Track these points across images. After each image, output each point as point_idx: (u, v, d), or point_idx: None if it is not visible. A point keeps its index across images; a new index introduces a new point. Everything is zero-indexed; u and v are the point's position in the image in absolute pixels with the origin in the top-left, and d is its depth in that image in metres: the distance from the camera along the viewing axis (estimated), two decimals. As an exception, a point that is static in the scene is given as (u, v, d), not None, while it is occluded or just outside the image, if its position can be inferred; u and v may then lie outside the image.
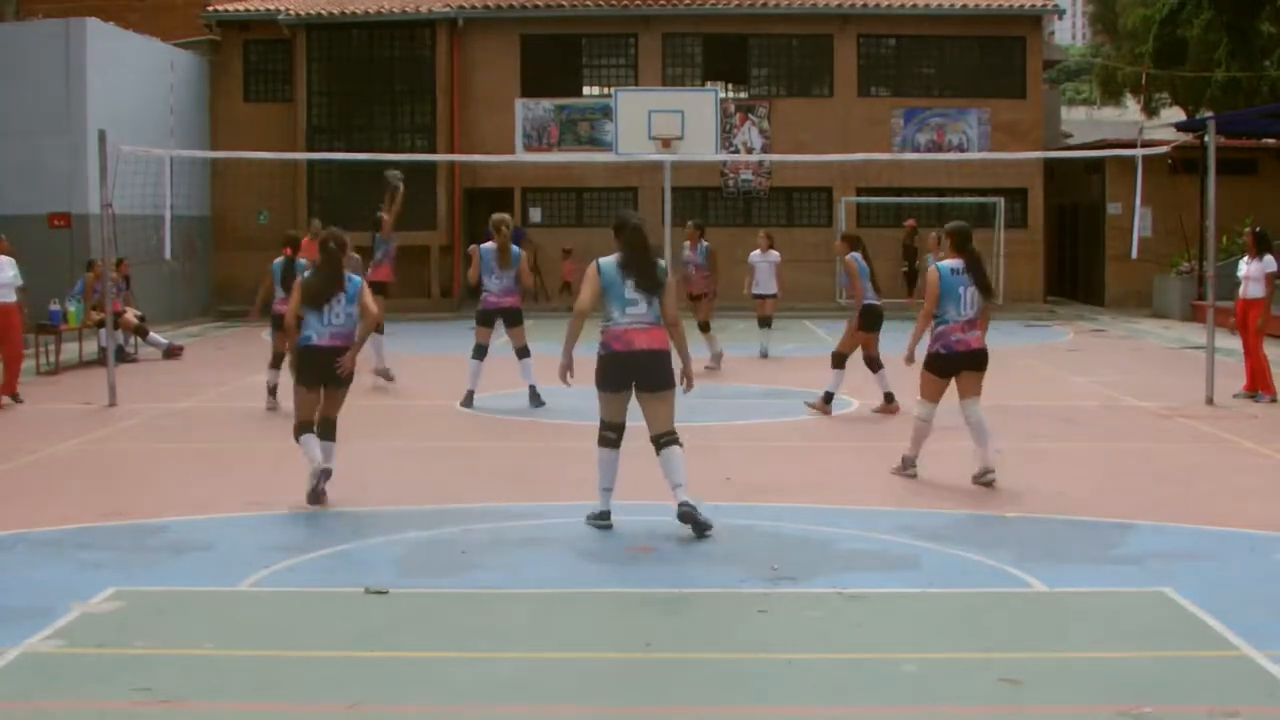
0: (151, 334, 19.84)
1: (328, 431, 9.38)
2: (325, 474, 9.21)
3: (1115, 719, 5.31)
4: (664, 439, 8.40)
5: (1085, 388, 15.93)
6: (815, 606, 6.88)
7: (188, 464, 11.05)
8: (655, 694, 5.69)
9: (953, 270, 9.96)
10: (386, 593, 7.06)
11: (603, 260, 8.46)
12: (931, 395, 10.14)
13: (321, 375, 9.31)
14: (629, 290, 8.31)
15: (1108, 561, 7.82)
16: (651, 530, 8.52)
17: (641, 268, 8.35)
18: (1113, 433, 12.64)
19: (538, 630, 6.54)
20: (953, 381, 10.09)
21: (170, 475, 10.52)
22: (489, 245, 13.98)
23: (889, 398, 13.34)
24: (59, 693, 5.66)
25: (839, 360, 13.42)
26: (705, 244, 18.09)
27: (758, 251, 18.96)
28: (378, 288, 13.99)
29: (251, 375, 17.13)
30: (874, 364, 13.59)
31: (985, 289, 10.12)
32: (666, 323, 8.48)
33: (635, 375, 8.36)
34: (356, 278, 9.51)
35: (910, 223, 28.80)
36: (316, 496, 9.14)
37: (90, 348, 18.88)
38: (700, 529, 8.23)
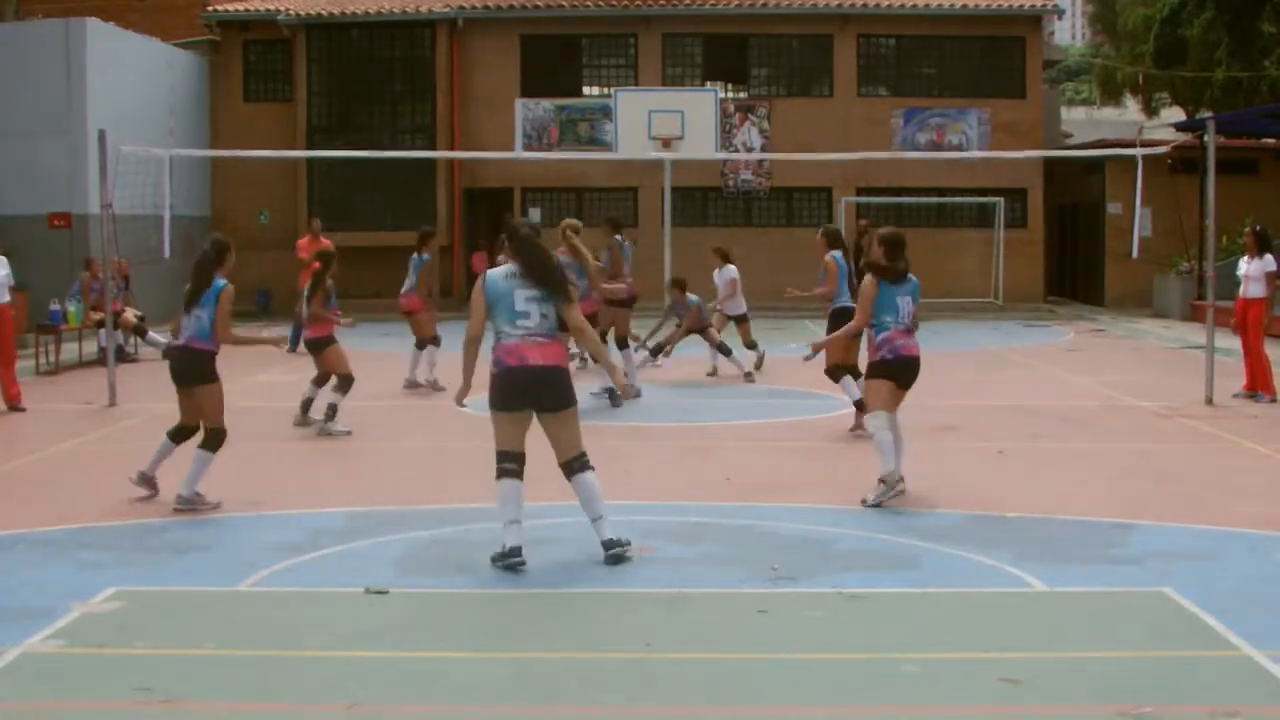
0: (150, 334, 19.84)
1: (208, 441, 9.41)
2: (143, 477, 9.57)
3: (1115, 719, 5.31)
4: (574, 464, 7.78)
5: (1085, 388, 15.93)
6: (815, 606, 6.88)
7: (187, 464, 11.02)
8: (655, 694, 5.69)
9: (890, 283, 9.58)
10: (386, 593, 7.07)
11: (490, 272, 7.82)
12: (885, 404, 9.48)
13: (175, 376, 9.53)
14: (520, 302, 7.58)
15: (1108, 561, 7.82)
16: (651, 530, 8.52)
17: (539, 274, 7.65)
18: (1113, 433, 12.64)
19: (538, 630, 6.54)
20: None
21: (170, 475, 10.50)
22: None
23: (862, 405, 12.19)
24: (59, 693, 5.66)
25: (839, 373, 12.37)
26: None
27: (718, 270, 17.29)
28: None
29: (251, 375, 17.12)
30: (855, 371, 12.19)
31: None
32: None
33: (533, 395, 7.63)
34: (221, 282, 9.45)
35: (863, 223, 28.84)
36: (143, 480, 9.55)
37: (90, 348, 18.88)
38: (621, 557, 7.73)
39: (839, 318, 12.25)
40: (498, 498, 7.67)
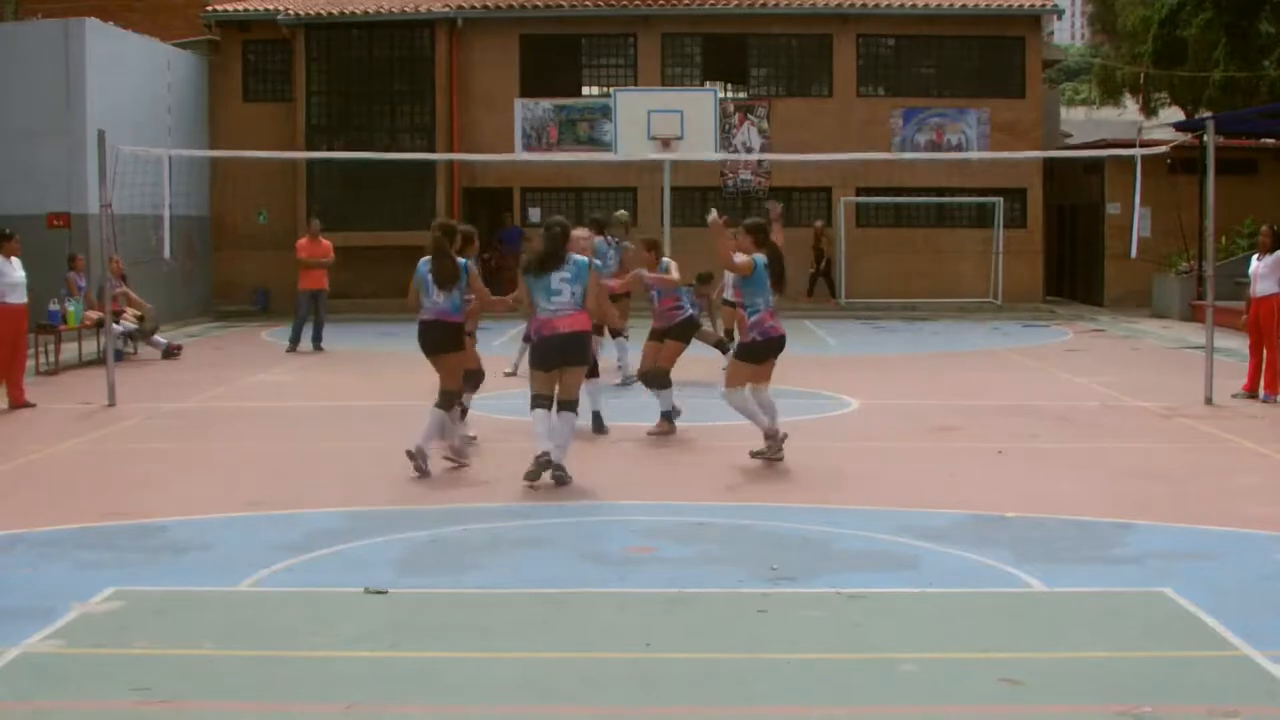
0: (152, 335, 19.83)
1: (442, 401, 10.36)
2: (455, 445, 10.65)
3: (1115, 719, 5.32)
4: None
5: (1085, 388, 15.92)
6: (815, 606, 6.88)
7: (188, 464, 11.04)
8: (655, 694, 5.69)
9: (766, 265, 10.58)
10: (386, 593, 7.07)
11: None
12: (741, 382, 10.59)
13: (426, 346, 10.45)
14: (554, 283, 9.71)
15: (1108, 561, 7.82)
16: (651, 530, 8.53)
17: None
18: (1113, 433, 12.64)
19: (538, 630, 6.54)
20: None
21: (170, 475, 10.51)
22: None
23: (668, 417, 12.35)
24: (59, 693, 5.66)
25: (659, 378, 12.39)
26: None
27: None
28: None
29: (251, 375, 17.14)
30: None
31: (779, 280, 10.64)
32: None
33: (560, 353, 9.72)
34: (465, 261, 10.45)
35: (818, 224, 28.84)
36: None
37: (90, 347, 18.87)
38: (558, 478, 9.59)
39: (684, 327, 13.07)
40: (533, 422, 9.77)
